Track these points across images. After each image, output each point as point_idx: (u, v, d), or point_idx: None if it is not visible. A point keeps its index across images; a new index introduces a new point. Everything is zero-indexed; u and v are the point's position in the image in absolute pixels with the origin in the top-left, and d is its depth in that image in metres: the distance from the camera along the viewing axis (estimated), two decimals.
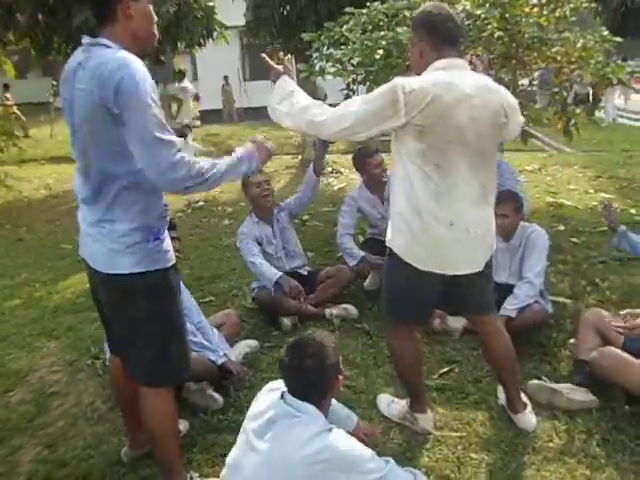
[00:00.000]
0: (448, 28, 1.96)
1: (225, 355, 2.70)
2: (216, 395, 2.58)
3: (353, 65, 4.03)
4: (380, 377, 2.79)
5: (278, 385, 1.72)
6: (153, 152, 1.62)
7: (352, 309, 3.47)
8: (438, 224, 1.95)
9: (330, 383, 1.64)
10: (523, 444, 2.25)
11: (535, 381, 2.58)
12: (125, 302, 1.79)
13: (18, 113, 12.58)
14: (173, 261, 1.86)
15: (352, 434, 1.86)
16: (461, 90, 1.87)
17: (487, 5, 3.82)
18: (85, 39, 1.72)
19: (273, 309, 3.45)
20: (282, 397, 1.63)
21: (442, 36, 1.95)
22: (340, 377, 1.69)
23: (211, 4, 7.27)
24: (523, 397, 2.41)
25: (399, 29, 3.85)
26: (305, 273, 3.71)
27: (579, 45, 4.01)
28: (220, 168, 1.78)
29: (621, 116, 13.16)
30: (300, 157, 9.18)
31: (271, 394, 1.70)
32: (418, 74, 1.98)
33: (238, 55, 15.33)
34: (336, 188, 7.22)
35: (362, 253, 3.58)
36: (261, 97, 14.19)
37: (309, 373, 1.59)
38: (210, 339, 2.72)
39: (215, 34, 7.83)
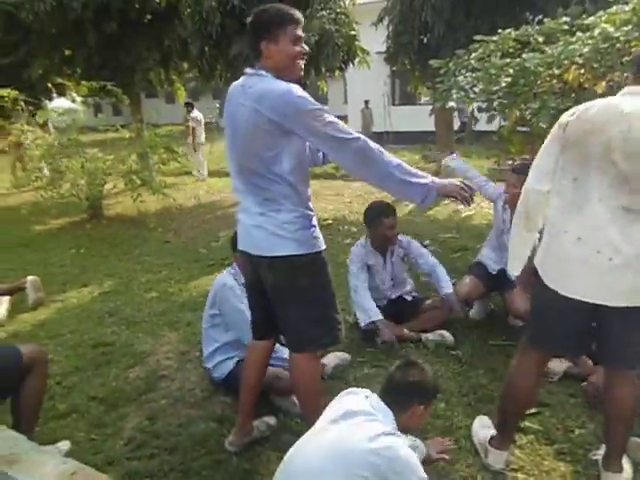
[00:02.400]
0: None
1: None
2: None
3: (475, 92, 3.99)
4: (461, 406, 2.72)
5: (358, 391, 1.88)
6: (332, 143, 1.95)
7: (448, 336, 3.41)
8: (565, 237, 1.91)
9: (413, 403, 1.83)
10: None
11: (634, 438, 2.32)
12: (291, 278, 2.07)
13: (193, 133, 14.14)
14: (325, 246, 2.15)
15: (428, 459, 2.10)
16: (620, 110, 1.81)
17: (630, 26, 3.54)
18: (247, 70, 2.08)
19: (372, 331, 3.51)
20: (367, 398, 1.81)
21: None
22: (423, 408, 1.86)
23: (353, 33, 7.67)
24: (625, 461, 2.18)
25: (525, 55, 3.73)
26: (410, 299, 3.72)
27: None
28: (392, 162, 1.96)
29: None
30: None
31: (351, 395, 1.86)
32: None
33: (385, 80, 15.70)
34: (463, 215, 7.07)
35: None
36: (405, 121, 14.37)
37: (403, 384, 1.84)
38: None
39: (357, 59, 8.22)
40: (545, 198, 2.02)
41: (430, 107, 6.85)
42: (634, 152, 1.77)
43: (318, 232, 2.14)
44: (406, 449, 1.67)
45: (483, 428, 2.44)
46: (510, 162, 10.22)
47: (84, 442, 2.56)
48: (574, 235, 1.87)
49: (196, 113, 10.62)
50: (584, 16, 4.19)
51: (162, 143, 7.36)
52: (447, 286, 3.54)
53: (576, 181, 1.89)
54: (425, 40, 6.65)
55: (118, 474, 2.30)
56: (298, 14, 2.07)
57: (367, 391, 1.87)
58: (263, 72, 2.03)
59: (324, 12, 6.94)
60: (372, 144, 1.97)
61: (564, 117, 1.95)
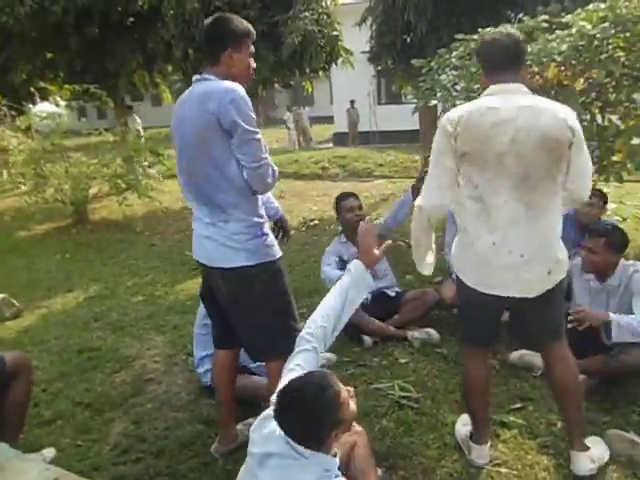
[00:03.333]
0: (493, 54, 1.99)
1: None
2: None
3: (456, 90, 4.02)
4: (447, 403, 2.74)
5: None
6: (253, 151, 1.97)
7: (434, 334, 3.43)
8: (481, 242, 2.00)
9: (324, 432, 1.48)
10: None
11: (616, 430, 2.36)
12: (244, 289, 2.04)
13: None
14: (280, 254, 2.13)
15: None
16: (500, 114, 1.88)
17: (606, 23, 3.59)
18: (195, 77, 2.07)
19: (356, 326, 3.53)
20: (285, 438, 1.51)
21: (490, 63, 2.01)
22: (335, 435, 1.50)
23: (335, 33, 7.70)
24: (594, 443, 2.22)
25: None
26: (393, 294, 3.75)
27: None
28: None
29: None
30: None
31: (273, 422, 1.54)
32: None
33: (370, 80, 15.74)
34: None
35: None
36: (391, 121, 14.30)
37: (296, 422, 1.46)
38: None
39: (340, 60, 8.25)
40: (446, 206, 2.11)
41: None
42: (523, 152, 1.87)
43: (271, 240, 2.11)
44: None
45: (464, 426, 2.46)
46: None
47: (70, 448, 2.54)
48: (489, 240, 1.97)
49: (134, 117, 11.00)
50: (563, 14, 4.24)
51: (147, 146, 7.33)
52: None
53: (478, 188, 1.96)
54: (408, 40, 6.69)
55: None
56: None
57: None
58: (211, 77, 2.02)
59: (307, 13, 6.96)
60: (272, 175, 2.05)
61: (448, 127, 1.94)
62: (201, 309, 2.99)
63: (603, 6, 3.65)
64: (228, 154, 1.99)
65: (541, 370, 2.93)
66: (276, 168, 2.09)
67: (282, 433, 1.50)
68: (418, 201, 2.10)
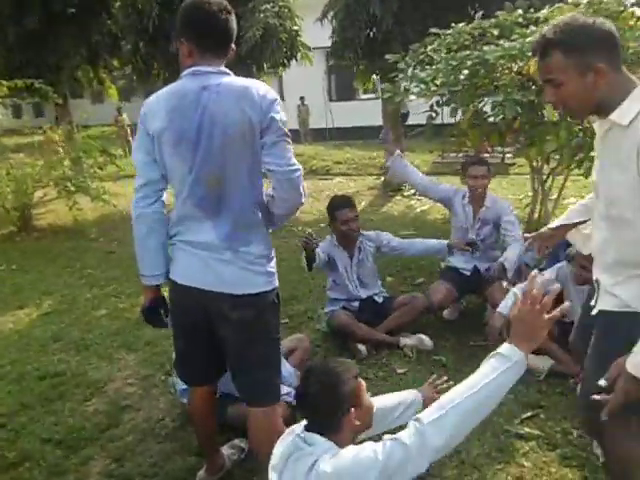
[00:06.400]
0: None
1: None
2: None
3: (436, 85, 3.91)
4: None
5: (292, 429, 1.59)
6: (287, 154, 1.77)
7: (427, 340, 3.31)
8: None
9: (338, 418, 1.45)
10: None
11: None
12: (259, 316, 1.83)
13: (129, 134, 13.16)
14: None
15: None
16: None
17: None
18: (202, 67, 1.76)
19: (344, 333, 3.37)
20: (297, 436, 1.51)
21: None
22: (353, 412, 1.46)
23: (296, 28, 7.48)
24: None
25: (485, 47, 3.69)
26: (380, 300, 3.61)
27: None
28: None
29: None
30: (383, 178, 9.10)
31: (289, 435, 1.56)
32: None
33: (322, 76, 15.64)
34: (418, 211, 7.05)
35: None
36: (345, 117, 14.23)
37: (314, 404, 1.48)
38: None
39: (299, 55, 8.04)
40: None
41: (370, 102, 6.70)
42: None
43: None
44: (330, 464, 1.37)
45: None
46: (454, 155, 10.39)
47: None
48: None
49: None
50: (531, 10, 4.23)
51: (97, 146, 6.86)
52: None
53: None
54: (372, 34, 6.57)
55: None
56: None
57: (299, 426, 1.56)
58: (225, 69, 1.80)
59: (267, 5, 6.70)
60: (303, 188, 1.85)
61: None
62: None
63: (584, 1, 3.63)
64: (260, 163, 1.78)
65: (544, 373, 2.87)
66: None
67: (297, 436, 1.50)
68: None
